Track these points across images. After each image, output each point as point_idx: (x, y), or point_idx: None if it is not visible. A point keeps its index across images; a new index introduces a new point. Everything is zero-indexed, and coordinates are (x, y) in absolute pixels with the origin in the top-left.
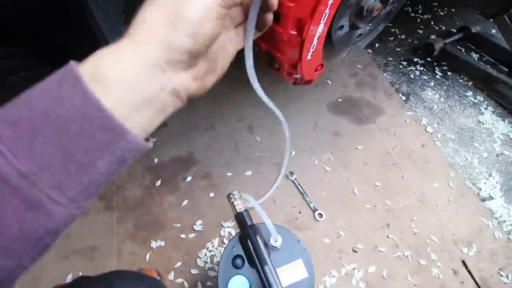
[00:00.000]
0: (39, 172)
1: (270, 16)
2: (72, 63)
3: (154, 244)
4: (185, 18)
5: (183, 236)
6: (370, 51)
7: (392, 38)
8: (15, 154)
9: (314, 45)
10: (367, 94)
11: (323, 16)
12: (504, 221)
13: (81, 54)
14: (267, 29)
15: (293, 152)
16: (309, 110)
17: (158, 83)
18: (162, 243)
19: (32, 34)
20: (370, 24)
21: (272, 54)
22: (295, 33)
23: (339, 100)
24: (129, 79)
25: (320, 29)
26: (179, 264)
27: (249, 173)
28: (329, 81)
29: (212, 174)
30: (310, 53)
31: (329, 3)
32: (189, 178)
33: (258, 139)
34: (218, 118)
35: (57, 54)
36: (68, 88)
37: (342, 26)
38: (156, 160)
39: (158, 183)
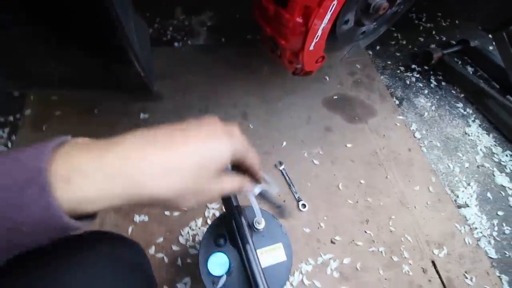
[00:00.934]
0: None
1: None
2: (44, 161)
3: (137, 218)
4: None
5: (167, 213)
6: (370, 52)
7: (393, 43)
8: None
9: (318, 35)
10: (363, 94)
11: (331, 6)
12: (476, 228)
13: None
14: (274, 13)
15: (285, 143)
16: (305, 103)
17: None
18: (146, 218)
19: None
20: (374, 23)
21: (276, 40)
22: (301, 20)
23: (335, 97)
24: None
25: (326, 20)
26: (160, 239)
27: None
28: (327, 77)
29: None
30: (313, 44)
31: None
32: None
33: (251, 127)
34: (213, 101)
35: (53, 14)
36: (32, 194)
37: (347, 21)
38: None
39: None
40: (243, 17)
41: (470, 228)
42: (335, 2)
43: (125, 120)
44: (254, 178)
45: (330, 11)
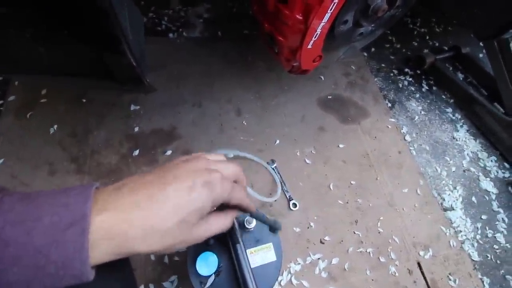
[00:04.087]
0: None
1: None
2: (88, 208)
3: None
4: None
5: None
6: (365, 54)
7: (388, 46)
8: None
9: (317, 34)
10: (356, 96)
11: (331, 5)
12: (460, 231)
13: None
14: (273, 9)
15: (278, 141)
16: (299, 102)
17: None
18: None
19: None
20: (372, 25)
21: (274, 37)
22: (301, 18)
23: (329, 97)
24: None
25: (325, 19)
26: None
27: (230, 155)
28: (322, 77)
29: (193, 151)
30: (311, 42)
31: None
32: (169, 152)
33: (245, 123)
34: (207, 96)
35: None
36: (73, 234)
37: (346, 21)
38: (136, 129)
39: (136, 152)
40: (240, 11)
41: (455, 231)
42: (335, 1)
43: (115, 111)
44: (244, 211)
45: (330, 10)
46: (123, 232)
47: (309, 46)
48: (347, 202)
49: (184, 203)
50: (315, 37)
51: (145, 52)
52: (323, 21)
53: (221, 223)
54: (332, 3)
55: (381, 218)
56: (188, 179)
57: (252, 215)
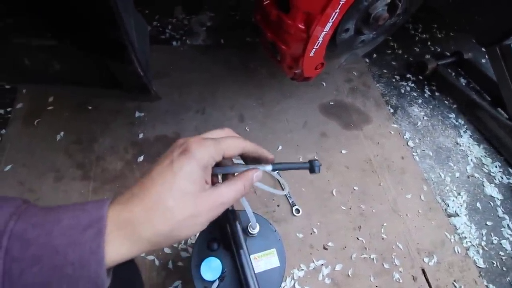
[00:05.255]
0: None
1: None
2: (105, 209)
3: None
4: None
5: None
6: (367, 60)
7: (389, 52)
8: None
9: (319, 42)
10: (358, 102)
11: (333, 14)
12: (465, 237)
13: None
14: (276, 18)
15: (280, 147)
16: (301, 108)
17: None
18: None
19: None
20: (374, 32)
21: (277, 45)
22: (303, 27)
23: (331, 103)
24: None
25: (327, 28)
26: None
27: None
28: (324, 83)
29: None
30: (313, 50)
31: (341, 3)
32: None
33: (248, 130)
34: (210, 103)
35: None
36: (90, 235)
37: (347, 29)
38: (141, 136)
39: (141, 158)
40: (242, 20)
41: (460, 237)
42: (337, 10)
43: (120, 118)
44: (258, 160)
45: (332, 19)
46: (128, 219)
47: (311, 54)
48: (350, 208)
49: (169, 178)
50: (317, 45)
51: (149, 60)
52: (325, 30)
53: (232, 188)
54: (334, 13)
55: (385, 224)
56: (167, 159)
57: (274, 168)
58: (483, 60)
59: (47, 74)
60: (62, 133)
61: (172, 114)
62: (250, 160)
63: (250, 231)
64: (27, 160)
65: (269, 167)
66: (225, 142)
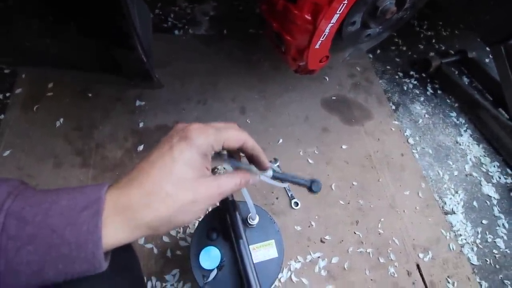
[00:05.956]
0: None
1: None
2: (103, 192)
3: None
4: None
5: None
6: (371, 56)
7: (394, 48)
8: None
9: (325, 34)
10: (360, 97)
11: (340, 6)
12: (460, 235)
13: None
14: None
15: (281, 140)
16: (303, 102)
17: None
18: None
19: None
20: (380, 27)
21: (282, 36)
22: (309, 18)
23: (333, 98)
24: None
25: (334, 20)
26: None
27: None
28: (326, 78)
29: None
30: (319, 42)
31: None
32: None
33: (249, 122)
34: (212, 94)
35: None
36: (87, 215)
37: (354, 22)
38: (141, 125)
39: (141, 147)
40: (246, 10)
41: (455, 235)
42: (345, 2)
43: (120, 106)
44: (254, 161)
45: (339, 10)
46: (127, 203)
47: (317, 46)
48: (349, 203)
49: (169, 163)
50: (323, 38)
51: (151, 46)
52: (331, 22)
53: (231, 181)
54: (341, 4)
55: (382, 219)
56: (166, 144)
57: (275, 176)
58: (487, 60)
59: (46, 57)
60: (61, 120)
61: (173, 104)
62: (247, 157)
63: (249, 222)
64: (26, 145)
65: (269, 173)
66: (226, 132)
